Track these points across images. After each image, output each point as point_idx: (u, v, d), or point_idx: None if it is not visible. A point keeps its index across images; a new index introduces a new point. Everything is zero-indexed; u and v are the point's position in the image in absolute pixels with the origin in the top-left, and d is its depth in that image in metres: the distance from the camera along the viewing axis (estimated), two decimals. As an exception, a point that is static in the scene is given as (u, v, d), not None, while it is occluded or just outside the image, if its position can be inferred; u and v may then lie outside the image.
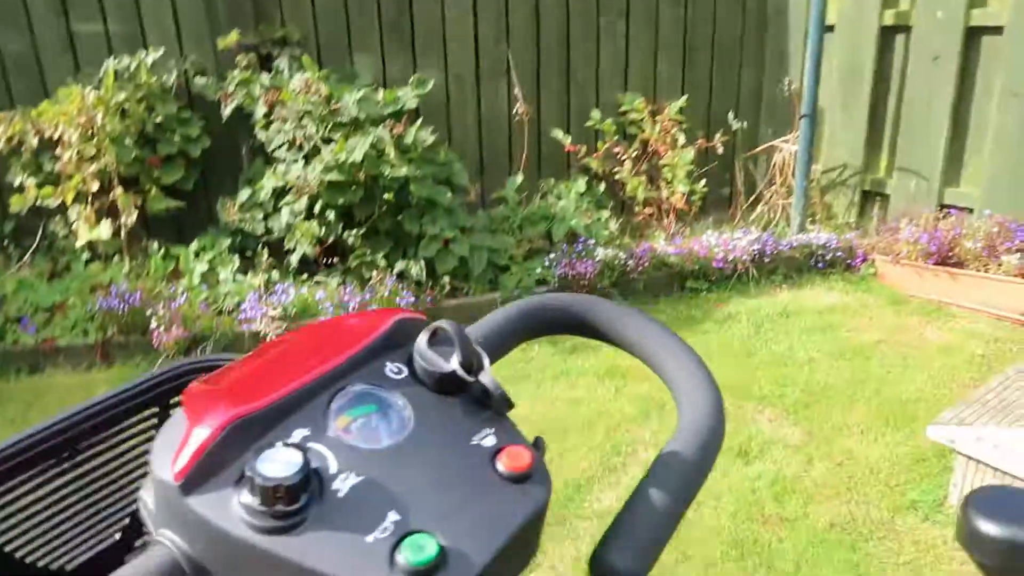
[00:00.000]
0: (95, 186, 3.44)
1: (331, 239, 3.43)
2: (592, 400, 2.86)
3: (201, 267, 3.48)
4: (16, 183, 3.53)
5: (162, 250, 3.60)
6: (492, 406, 0.48)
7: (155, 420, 0.85)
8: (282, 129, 3.37)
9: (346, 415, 0.44)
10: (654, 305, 3.62)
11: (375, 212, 3.33)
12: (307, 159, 3.36)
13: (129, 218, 3.49)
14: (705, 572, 2.01)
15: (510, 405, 0.48)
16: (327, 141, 3.32)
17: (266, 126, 3.48)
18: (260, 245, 3.52)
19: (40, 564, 0.83)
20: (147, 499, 0.41)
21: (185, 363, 0.82)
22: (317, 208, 3.35)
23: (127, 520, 0.83)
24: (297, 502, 0.38)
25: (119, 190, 3.45)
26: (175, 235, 3.73)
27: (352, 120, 3.27)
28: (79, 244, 3.52)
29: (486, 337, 0.59)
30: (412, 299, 3.29)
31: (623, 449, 2.55)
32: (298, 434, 0.42)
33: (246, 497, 0.38)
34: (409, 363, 0.48)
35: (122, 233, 3.54)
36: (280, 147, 3.45)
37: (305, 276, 3.53)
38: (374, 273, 3.36)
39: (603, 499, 2.31)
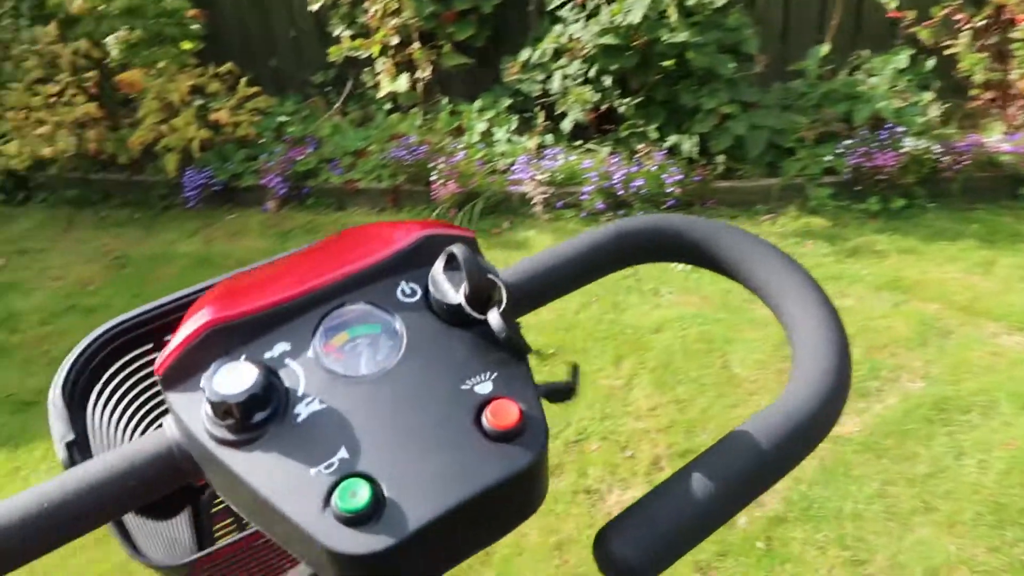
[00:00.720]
0: (395, 40, 3.67)
1: (604, 106, 3.33)
2: (860, 312, 2.55)
3: (481, 125, 3.60)
4: (335, 34, 3.89)
5: (450, 106, 3.78)
6: (506, 348, 0.41)
7: None
8: (566, -13, 3.26)
9: (335, 335, 0.41)
10: (969, 212, 3.05)
11: (650, 80, 3.15)
12: (589, 19, 3.24)
13: (424, 72, 3.69)
14: (949, 530, 1.77)
15: (524, 349, 0.41)
16: (611, 1, 3.16)
17: (555, -18, 3.39)
18: (537, 107, 3.54)
19: None
20: None
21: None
22: (592, 72, 3.25)
23: None
24: (249, 419, 0.37)
25: (416, 44, 3.64)
26: (466, 91, 3.88)
27: (637, -23, 3.05)
28: (381, 95, 3.83)
29: (571, 259, 0.51)
30: (679, 176, 3.12)
31: (882, 374, 2.26)
32: (279, 348, 0.40)
33: (205, 405, 0.37)
34: (425, 286, 0.43)
35: (418, 87, 3.77)
36: (563, 5, 3.36)
37: (580, 142, 3.50)
38: (643, 145, 3.23)
39: (845, 425, 2.10)
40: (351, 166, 3.68)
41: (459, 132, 3.69)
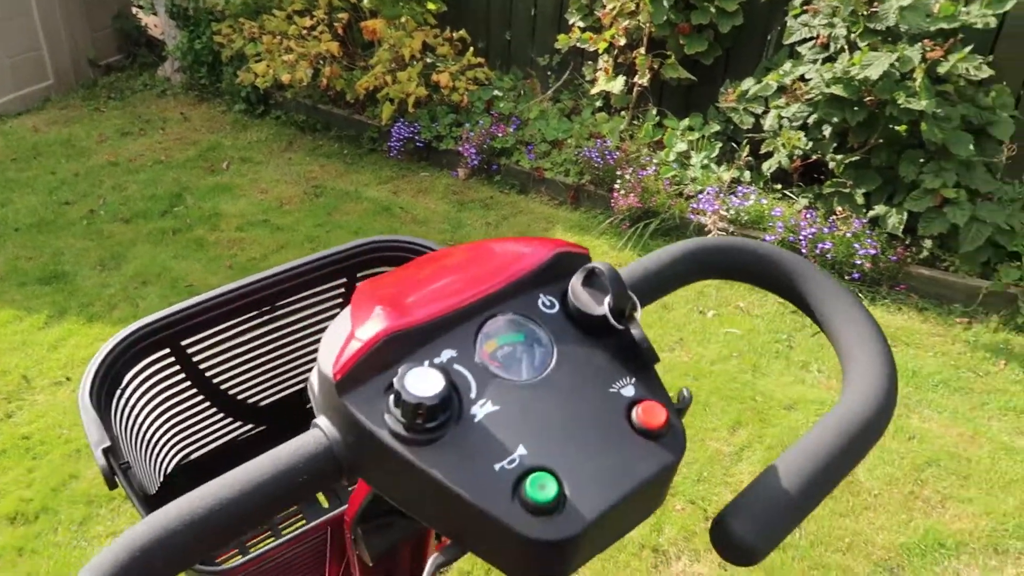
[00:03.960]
0: (623, 41, 3.64)
1: (814, 157, 3.11)
2: (1032, 459, 2.22)
3: (681, 145, 3.50)
4: (570, 22, 3.92)
5: (657, 118, 3.70)
6: (638, 356, 0.46)
7: (343, 289, 0.95)
8: (809, 23, 3.05)
9: (493, 342, 0.45)
10: None
11: (872, 141, 2.89)
12: (828, 62, 3.02)
13: (642, 79, 3.63)
14: None
15: (655, 358, 0.46)
16: (853, 48, 2.92)
17: (800, 14, 3.19)
18: (744, 141, 3.37)
19: (240, 397, 1.02)
20: (314, 383, 0.46)
21: (377, 239, 0.88)
22: (811, 119, 3.04)
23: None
24: (435, 420, 0.41)
25: (642, 49, 3.59)
26: (678, 107, 3.78)
27: (887, 30, 2.79)
28: (594, 91, 3.83)
29: (648, 275, 0.55)
30: (874, 251, 2.86)
31: (1030, 538, 1.96)
32: (446, 354, 0.44)
33: (391, 407, 0.41)
34: (563, 298, 0.48)
35: (632, 92, 3.73)
36: (803, 42, 3.15)
37: (778, 187, 3.31)
38: (844, 208, 2.98)
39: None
40: (545, 154, 3.73)
41: (658, 146, 3.60)
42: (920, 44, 2.72)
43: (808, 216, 3.04)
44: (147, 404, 0.90)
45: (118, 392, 0.82)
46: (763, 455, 2.22)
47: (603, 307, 0.46)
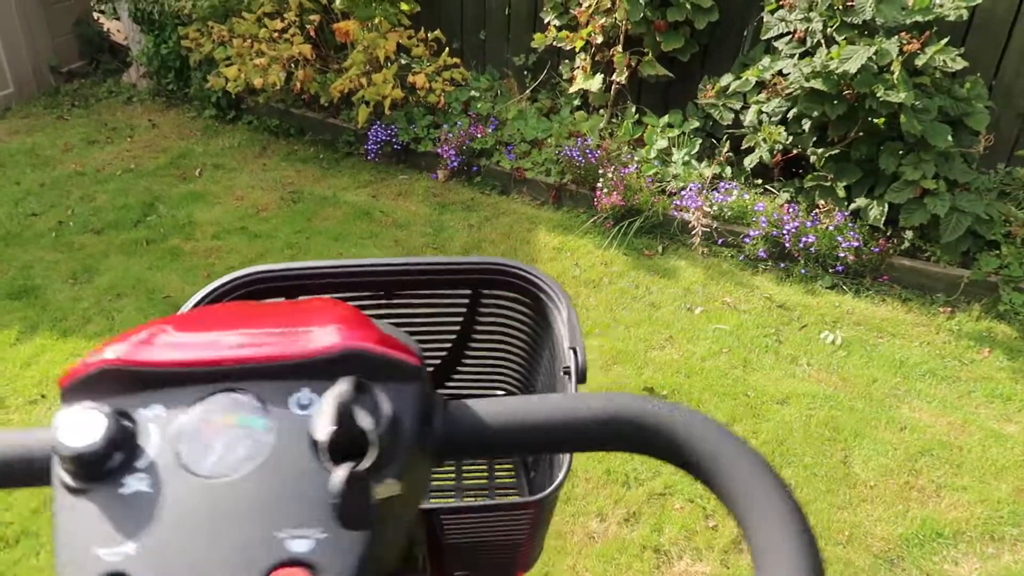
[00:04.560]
0: (600, 38, 3.63)
1: (795, 151, 3.12)
2: (1022, 443, 2.25)
3: (662, 142, 3.50)
4: (546, 20, 3.90)
5: (637, 115, 3.70)
6: (348, 512, 0.37)
7: (467, 300, 0.93)
8: (786, 18, 3.06)
9: (206, 414, 0.39)
10: None
11: (852, 135, 2.91)
12: (805, 57, 3.03)
13: (620, 76, 3.62)
14: None
15: (362, 523, 0.36)
16: (830, 42, 2.94)
17: (776, 10, 3.20)
18: (724, 136, 3.38)
19: None
20: None
21: (501, 261, 0.86)
22: (791, 114, 3.05)
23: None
24: (81, 472, 0.37)
25: (619, 47, 3.58)
26: (657, 104, 3.78)
27: (863, 24, 2.81)
28: (572, 90, 3.81)
29: (529, 425, 0.43)
30: (856, 243, 2.88)
31: (1025, 524, 1.98)
32: (154, 409, 0.39)
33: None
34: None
35: (611, 90, 3.71)
36: (780, 37, 3.16)
37: (759, 182, 3.32)
38: (825, 201, 3.00)
39: (961, 565, 1.86)
40: (525, 154, 3.70)
41: (639, 144, 3.60)
42: (897, 37, 2.74)
43: (791, 210, 3.05)
44: None
45: None
46: (759, 450, 2.21)
47: (325, 433, 0.37)
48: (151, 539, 0.36)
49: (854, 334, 2.71)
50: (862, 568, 1.89)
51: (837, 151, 2.99)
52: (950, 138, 2.75)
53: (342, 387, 0.38)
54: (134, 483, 0.37)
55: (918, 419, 2.35)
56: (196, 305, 0.81)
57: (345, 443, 0.37)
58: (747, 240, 3.08)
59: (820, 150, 3.02)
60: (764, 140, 3.12)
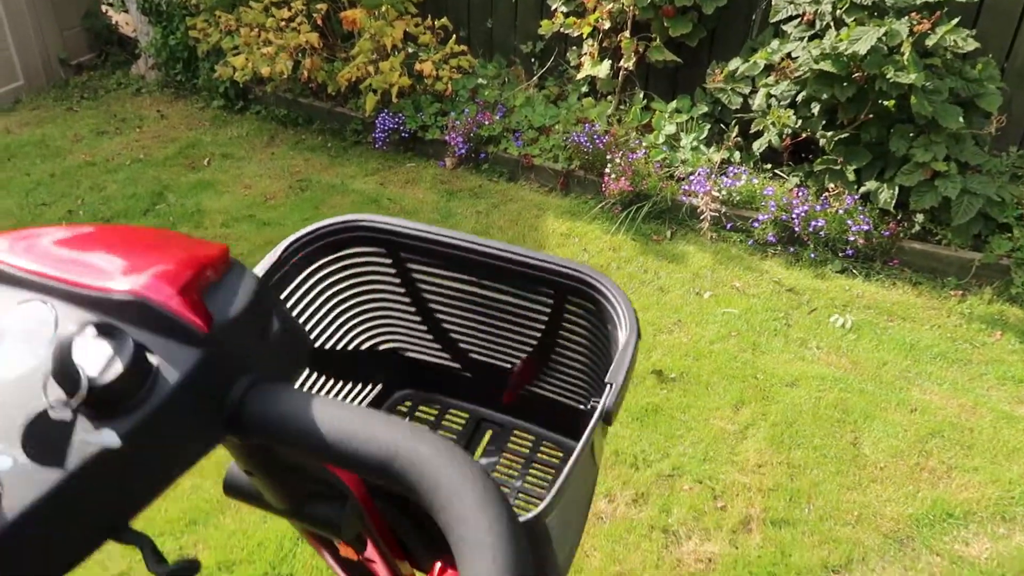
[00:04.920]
0: (607, 24, 3.61)
1: (804, 134, 3.10)
2: (1034, 427, 2.22)
3: (670, 127, 3.48)
4: (553, 7, 3.89)
5: (645, 101, 3.68)
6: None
7: (550, 308, 0.93)
8: (795, 1, 3.04)
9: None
10: None
11: (862, 117, 2.89)
12: (814, 39, 3.01)
13: (628, 62, 3.61)
14: None
15: (49, 459, 0.36)
16: (839, 24, 2.91)
17: (784, -6, 3.18)
18: (733, 121, 3.36)
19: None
20: None
21: (585, 272, 0.85)
22: (800, 97, 3.03)
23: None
24: None
25: (626, 33, 3.56)
26: (665, 90, 3.76)
27: (873, 4, 2.78)
28: (579, 76, 3.79)
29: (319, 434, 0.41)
30: (867, 227, 2.86)
31: None
32: None
33: None
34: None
35: (619, 76, 3.70)
36: (789, 20, 3.14)
37: (769, 167, 3.30)
38: (835, 185, 2.98)
39: (972, 545, 1.85)
40: (532, 140, 3.69)
41: (647, 129, 3.58)
42: (907, 18, 2.71)
43: (800, 194, 3.03)
44: (316, 304, 0.95)
45: (287, 291, 0.88)
46: (767, 432, 2.21)
47: (39, 361, 0.37)
48: None
49: (864, 317, 2.70)
50: (872, 548, 1.88)
51: (847, 134, 2.96)
52: (961, 119, 2.73)
53: (73, 325, 0.38)
54: None
55: (929, 401, 2.34)
56: (289, 246, 0.87)
57: (60, 378, 0.36)
58: (756, 224, 3.07)
59: (829, 133, 3.00)
60: (773, 124, 3.10)
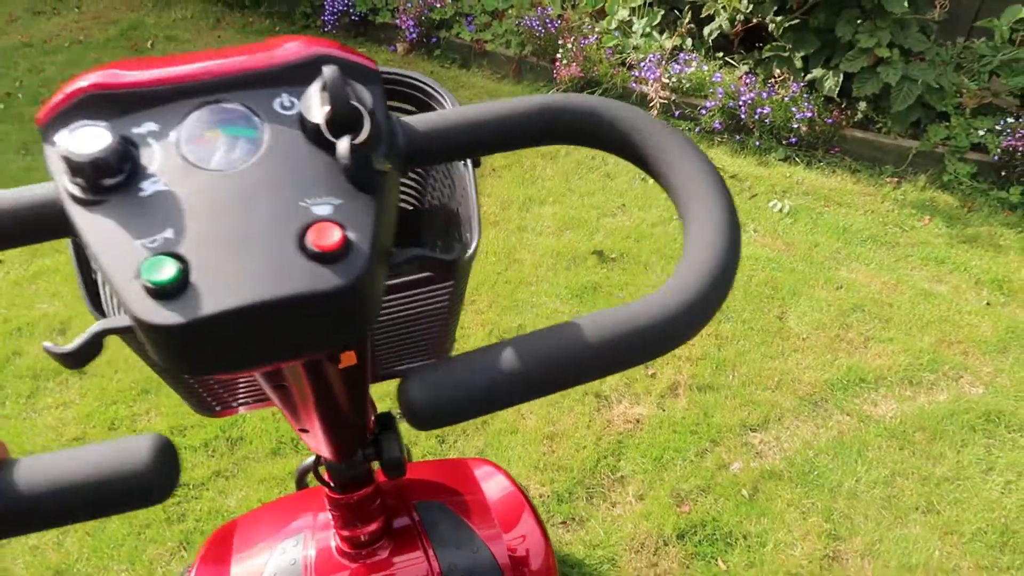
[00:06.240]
0: (562, -96, 3.50)
1: (755, 20, 3.10)
2: (948, 302, 2.36)
3: (623, 13, 3.44)
4: None
5: (600, -14, 3.62)
6: (358, 178, 0.41)
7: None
8: None
9: (200, 125, 0.42)
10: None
11: (811, 1, 2.89)
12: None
13: (583, -55, 3.52)
14: (942, 536, 1.69)
15: (371, 184, 0.40)
16: (794, -95, 2.87)
17: None
18: (686, 7, 3.33)
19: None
20: None
21: (399, 72, 0.85)
22: (752, -19, 3.01)
23: None
24: (98, 181, 0.39)
25: (582, -87, 3.46)
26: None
27: None
28: (534, -41, 3.70)
29: (495, 123, 0.48)
30: (810, 114, 2.91)
31: (943, 370, 2.12)
32: (147, 126, 0.42)
33: (61, 161, 0.40)
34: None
35: (574, -42, 3.61)
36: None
37: (720, 55, 3.30)
38: (781, 71, 3.01)
39: (879, 406, 2.00)
40: (486, 25, 3.63)
41: (600, 15, 3.54)
42: None
43: (748, 81, 3.06)
44: None
45: None
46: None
47: (319, 115, 0.41)
48: (185, 224, 0.39)
49: (802, 203, 2.78)
50: (788, 409, 2.02)
51: (796, 20, 2.97)
52: (906, 4, 2.74)
53: (328, 73, 0.41)
54: (151, 186, 0.40)
55: (854, 279, 2.45)
56: None
57: (340, 120, 0.40)
58: (704, 112, 3.10)
59: (779, 19, 3.00)
60: (724, 8, 3.09)
